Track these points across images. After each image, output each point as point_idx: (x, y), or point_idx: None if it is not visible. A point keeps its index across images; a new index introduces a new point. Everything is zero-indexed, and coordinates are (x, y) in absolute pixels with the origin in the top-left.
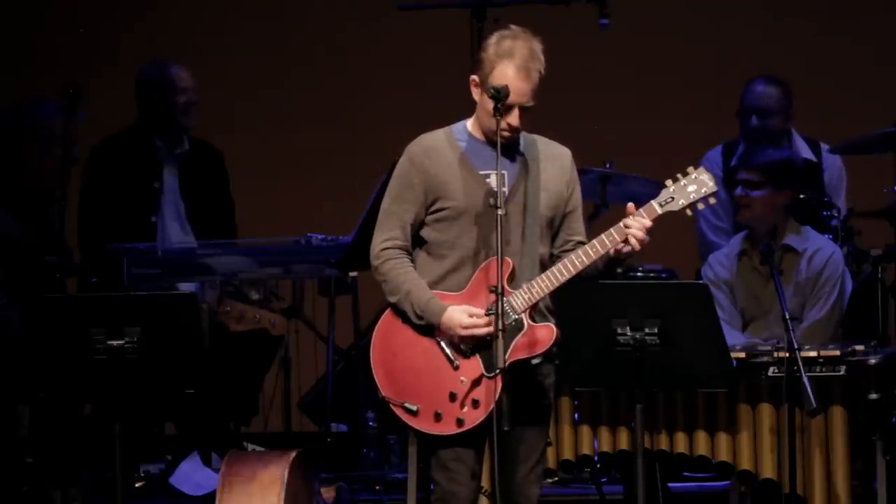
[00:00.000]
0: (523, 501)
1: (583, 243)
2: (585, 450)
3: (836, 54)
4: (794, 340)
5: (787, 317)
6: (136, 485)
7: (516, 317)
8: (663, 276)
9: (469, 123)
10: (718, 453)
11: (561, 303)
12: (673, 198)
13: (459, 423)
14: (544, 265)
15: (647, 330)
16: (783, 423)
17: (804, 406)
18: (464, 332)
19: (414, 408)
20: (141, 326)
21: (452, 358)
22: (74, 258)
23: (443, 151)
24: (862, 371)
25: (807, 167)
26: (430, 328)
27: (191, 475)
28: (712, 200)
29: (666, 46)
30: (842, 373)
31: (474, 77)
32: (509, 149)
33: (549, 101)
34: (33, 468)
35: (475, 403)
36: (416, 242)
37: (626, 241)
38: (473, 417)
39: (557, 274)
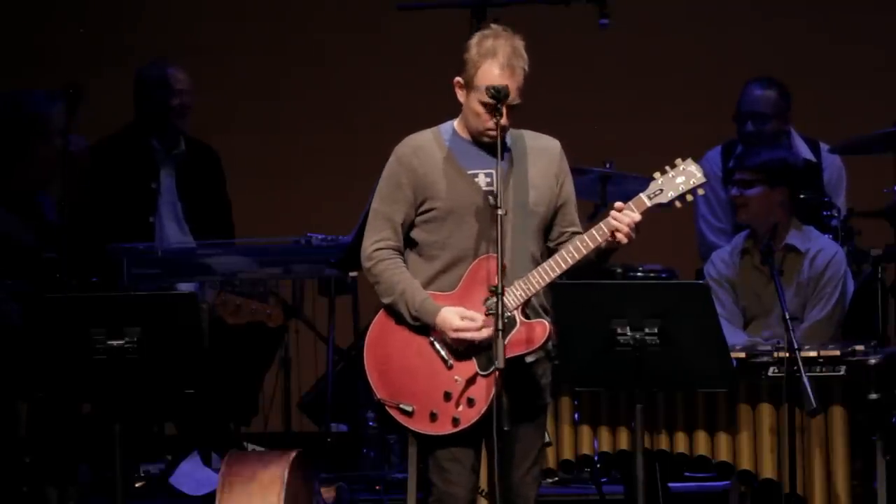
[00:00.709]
0: (521, 502)
1: (578, 234)
2: (585, 450)
3: (836, 54)
4: (795, 340)
5: (788, 317)
6: (136, 485)
7: (509, 314)
8: (663, 276)
9: (456, 124)
10: (718, 453)
11: (560, 303)
12: (662, 190)
13: (455, 422)
14: (537, 261)
15: (647, 330)
16: (783, 423)
17: (804, 406)
18: (455, 335)
19: (409, 408)
20: (141, 326)
21: (446, 357)
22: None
23: (430, 151)
24: (862, 371)
25: (806, 167)
26: (423, 328)
27: (191, 475)
28: (701, 192)
29: (666, 46)
30: (842, 373)
31: (458, 79)
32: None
33: (549, 101)
34: (31, 467)
35: (470, 402)
36: (407, 244)
37: (615, 235)
38: (469, 416)
39: (549, 270)
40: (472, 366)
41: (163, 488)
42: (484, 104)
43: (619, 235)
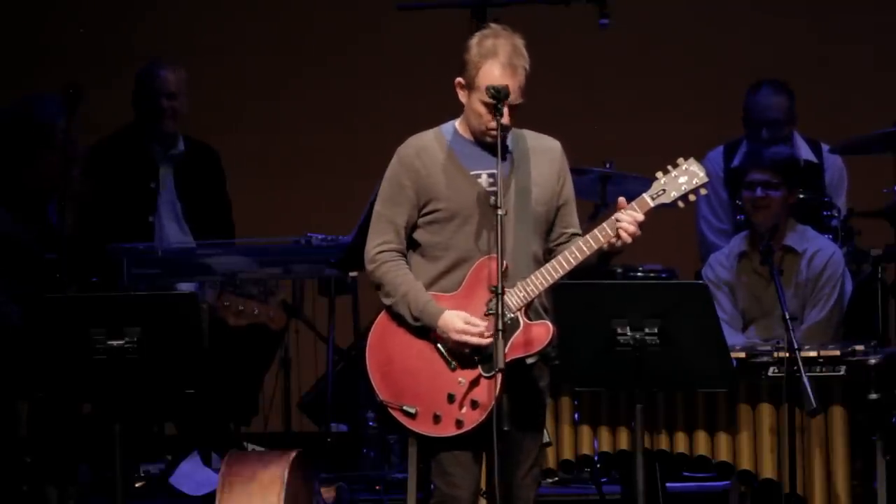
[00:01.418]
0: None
1: (577, 235)
2: (585, 450)
3: (836, 54)
4: (794, 340)
5: (787, 317)
6: (136, 485)
7: (512, 315)
8: (663, 276)
9: (457, 124)
10: (718, 453)
11: (561, 303)
12: (664, 190)
13: (458, 424)
14: (539, 262)
15: (647, 330)
16: (783, 423)
17: (804, 406)
18: (457, 338)
19: (412, 410)
20: (141, 326)
21: (449, 359)
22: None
23: (433, 152)
24: (862, 371)
25: (807, 167)
26: (425, 330)
27: (191, 475)
28: (703, 191)
29: (666, 46)
30: (842, 373)
31: (459, 79)
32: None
33: (549, 101)
34: (32, 467)
35: (474, 404)
36: (410, 245)
37: (618, 236)
38: (472, 418)
39: (552, 271)
40: (475, 368)
41: (163, 488)
42: (485, 104)
43: (623, 235)
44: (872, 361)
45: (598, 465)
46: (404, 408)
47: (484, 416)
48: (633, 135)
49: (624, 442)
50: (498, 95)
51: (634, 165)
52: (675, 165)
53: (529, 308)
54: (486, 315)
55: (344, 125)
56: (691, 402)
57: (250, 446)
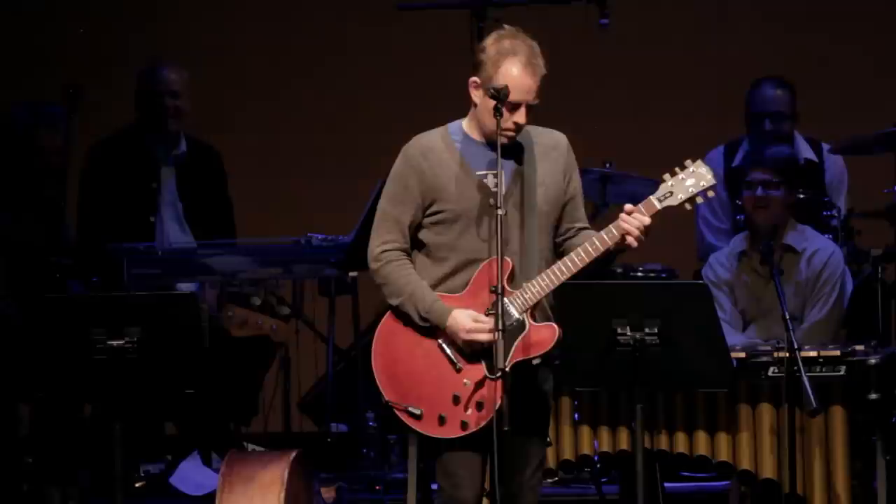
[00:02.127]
0: None
1: (584, 229)
2: (585, 450)
3: (836, 54)
4: (794, 340)
5: (787, 317)
6: (136, 485)
7: (518, 317)
8: (663, 276)
9: (464, 123)
10: (718, 453)
11: (561, 303)
12: (671, 192)
13: (464, 426)
14: (547, 261)
15: (647, 330)
16: (783, 423)
17: (804, 406)
18: (466, 337)
19: (417, 412)
20: (141, 326)
21: (455, 360)
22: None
23: (440, 153)
24: (862, 371)
25: (807, 166)
26: (431, 330)
27: (191, 475)
28: (711, 194)
29: (666, 47)
30: (842, 373)
31: (475, 79)
32: (506, 147)
33: (549, 101)
34: (33, 468)
35: (479, 406)
36: (415, 245)
37: (623, 239)
38: (478, 420)
39: (557, 272)
40: (480, 369)
41: (163, 488)
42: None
43: (629, 238)
44: (872, 361)
45: (598, 465)
46: (409, 409)
47: (489, 418)
48: (633, 135)
49: (624, 442)
50: (498, 96)
51: (634, 165)
52: (683, 167)
53: (537, 308)
54: (487, 315)
55: (344, 125)
56: (691, 402)
57: (250, 446)
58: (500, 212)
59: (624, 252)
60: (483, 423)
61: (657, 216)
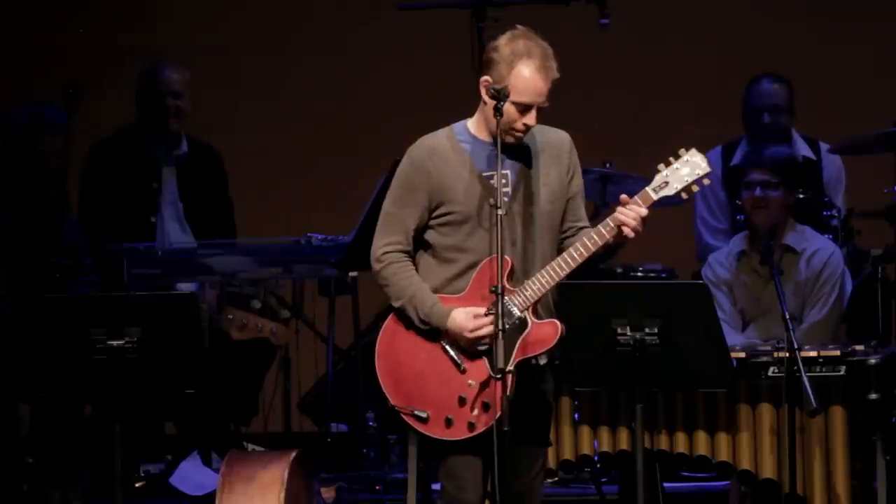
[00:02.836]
0: None
1: (585, 228)
2: (585, 450)
3: (836, 54)
4: (794, 340)
5: (787, 317)
6: (136, 485)
7: (520, 315)
8: (663, 276)
9: (470, 124)
10: (718, 453)
11: (561, 303)
12: (667, 182)
13: (471, 427)
14: (551, 260)
15: (647, 330)
16: (783, 423)
17: (804, 406)
18: (470, 336)
19: (424, 415)
20: (141, 326)
21: (459, 361)
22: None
23: (446, 154)
24: (862, 371)
25: (806, 166)
26: (433, 333)
27: (191, 475)
28: (706, 181)
29: (666, 46)
30: (842, 373)
31: (487, 78)
32: (510, 146)
33: (549, 101)
34: (33, 468)
35: (485, 406)
36: (421, 245)
37: (620, 231)
38: (485, 421)
39: (557, 269)
40: (484, 370)
41: (163, 488)
42: (514, 104)
43: (626, 230)
44: (872, 361)
45: (598, 465)
46: (416, 412)
47: (496, 419)
48: (633, 135)
49: (624, 442)
50: (498, 96)
51: (634, 165)
52: (678, 156)
53: (539, 305)
54: (487, 315)
55: (344, 125)
56: (691, 402)
57: (250, 446)
58: (500, 212)
59: (623, 245)
60: (490, 424)
61: (655, 216)
